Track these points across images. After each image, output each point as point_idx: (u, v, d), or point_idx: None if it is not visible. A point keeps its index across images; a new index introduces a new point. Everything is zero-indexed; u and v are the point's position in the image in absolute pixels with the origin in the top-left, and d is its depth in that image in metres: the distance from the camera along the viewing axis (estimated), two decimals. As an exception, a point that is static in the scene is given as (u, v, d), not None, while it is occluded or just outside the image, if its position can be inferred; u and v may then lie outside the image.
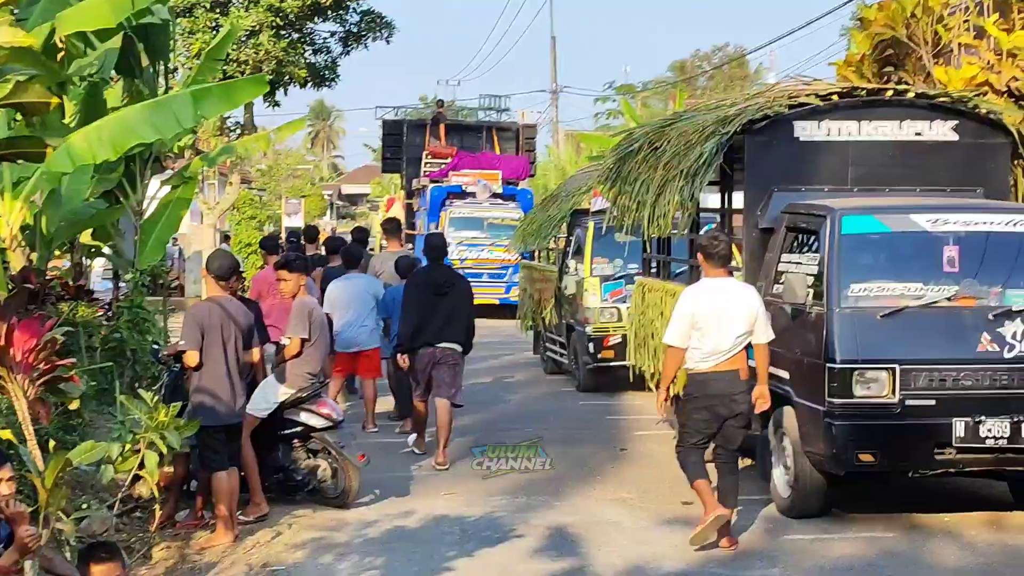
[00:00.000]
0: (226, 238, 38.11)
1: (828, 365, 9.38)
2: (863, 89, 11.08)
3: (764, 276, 10.68)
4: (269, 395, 10.60)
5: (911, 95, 11.08)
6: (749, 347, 9.30)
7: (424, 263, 13.67)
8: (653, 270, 13.91)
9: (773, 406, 10.24)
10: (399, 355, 12.88)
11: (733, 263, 11.88)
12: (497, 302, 29.21)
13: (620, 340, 16.55)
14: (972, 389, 9.34)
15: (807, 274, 9.90)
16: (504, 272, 29.91)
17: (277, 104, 34.32)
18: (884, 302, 9.55)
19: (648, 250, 13.76)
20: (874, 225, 9.89)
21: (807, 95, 10.98)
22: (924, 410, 9.32)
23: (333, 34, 34.87)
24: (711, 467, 9.59)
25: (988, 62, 13.08)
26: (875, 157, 11.04)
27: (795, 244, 10.49)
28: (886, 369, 9.31)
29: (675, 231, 11.84)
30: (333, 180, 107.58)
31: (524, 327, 20.81)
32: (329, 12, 33.69)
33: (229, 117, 33.96)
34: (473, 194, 32.00)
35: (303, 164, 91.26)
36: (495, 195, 32.14)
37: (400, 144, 36.92)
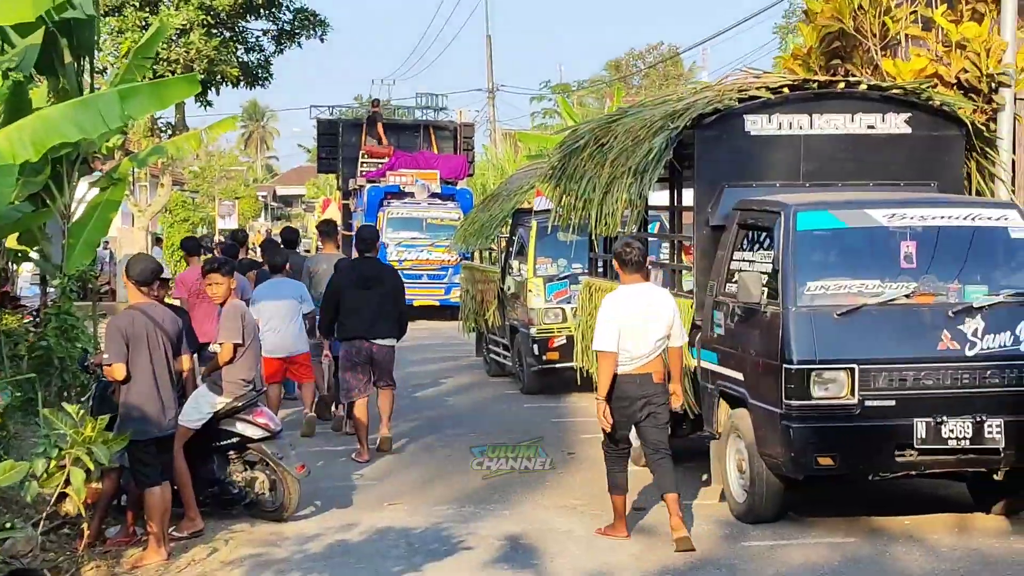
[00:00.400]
0: (158, 241, 37.45)
1: (785, 366, 9.06)
2: (814, 81, 10.76)
3: (716, 275, 10.35)
4: (202, 405, 10.14)
5: (863, 87, 10.78)
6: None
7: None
8: (600, 270, 13.55)
9: (729, 407, 9.98)
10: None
11: (685, 262, 11.67)
12: (437, 303, 28.88)
13: (565, 341, 16.34)
14: (933, 388, 9.05)
15: (761, 272, 9.58)
16: (444, 273, 29.56)
17: (209, 104, 33.70)
18: (841, 300, 9.25)
19: (595, 249, 13.41)
20: (829, 221, 9.60)
21: (757, 88, 10.65)
22: (884, 411, 9.03)
23: (266, 32, 34.34)
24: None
25: (937, 54, 12.83)
26: (827, 151, 10.74)
27: (747, 241, 10.17)
28: (844, 369, 9.00)
29: (623, 230, 11.50)
30: (267, 181, 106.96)
31: (466, 329, 20.42)
32: (262, 10, 33.16)
33: (160, 117, 33.43)
34: (411, 194, 31.64)
35: (237, 165, 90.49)
36: (434, 195, 31.78)
37: (336, 144, 36.47)
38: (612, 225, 11.34)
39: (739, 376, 9.72)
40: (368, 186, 32.48)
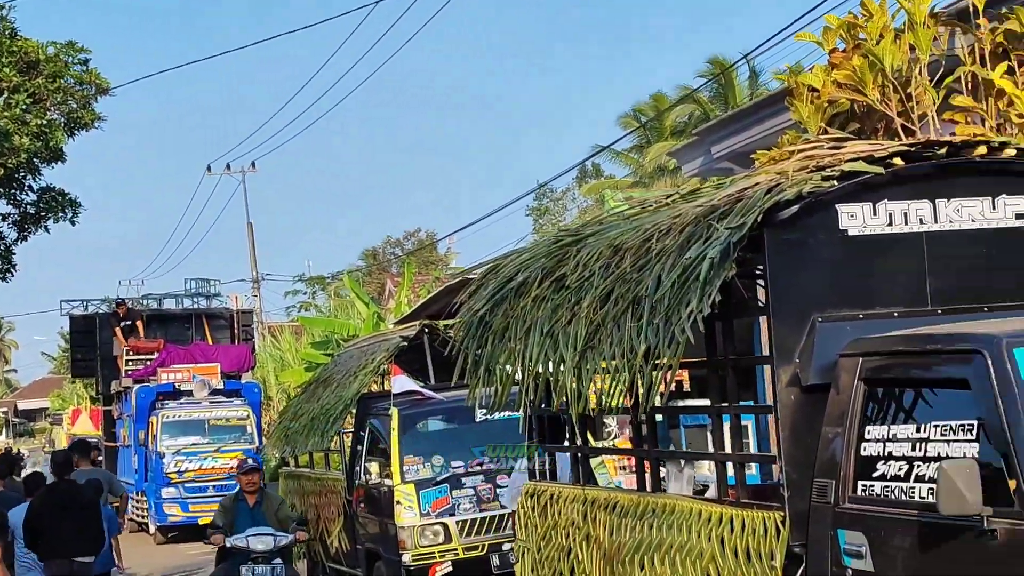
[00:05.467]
0: None
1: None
2: (941, 144, 6.81)
3: (827, 468, 6.15)
4: None
5: (1009, 153, 6.88)
6: None
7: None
8: (547, 468, 9.15)
9: None
10: None
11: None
12: (229, 520, 23.93)
13: (451, 569, 12.13)
14: None
15: (966, 457, 5.40)
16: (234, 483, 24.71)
17: (-67, 304, 28.17)
18: None
19: (540, 437, 9.04)
20: (1069, 360, 5.53)
21: (850, 160, 6.64)
22: None
23: (6, 217, 29.11)
24: None
25: (995, 130, 9.13)
26: (962, 257, 6.74)
27: (890, 409, 6.03)
28: None
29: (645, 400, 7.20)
30: (7, 396, 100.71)
31: (294, 557, 15.67)
32: (0, 190, 27.98)
33: None
34: (189, 392, 27.06)
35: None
36: (215, 391, 27.26)
37: (93, 343, 31.54)
38: (614, 396, 7.09)
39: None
40: (136, 387, 27.83)
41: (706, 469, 8.04)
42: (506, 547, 11.85)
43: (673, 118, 42.26)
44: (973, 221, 6.75)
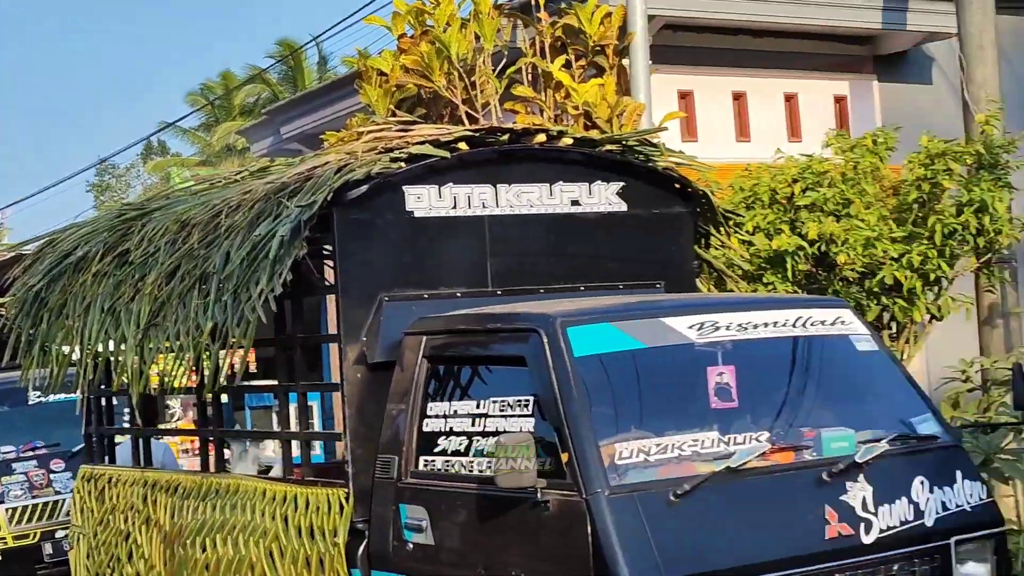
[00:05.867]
0: None
1: (609, 595, 5.15)
2: (504, 131, 7.03)
3: (392, 444, 6.26)
4: None
5: (567, 142, 7.19)
6: None
7: None
8: (100, 452, 8.87)
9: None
10: None
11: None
12: None
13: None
14: (831, 603, 5.49)
15: (524, 432, 5.60)
16: None
17: None
18: (672, 470, 5.49)
19: (98, 420, 8.75)
20: (618, 339, 5.79)
21: (417, 143, 6.77)
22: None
23: None
24: None
25: (553, 120, 9.55)
26: (521, 241, 7.00)
27: (450, 386, 6.20)
28: (707, 587, 5.25)
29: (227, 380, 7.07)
30: None
31: None
32: None
33: None
34: None
35: None
36: None
37: None
38: (177, 375, 6.96)
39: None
40: None
41: (270, 450, 8.02)
42: (60, 534, 11.44)
43: (242, 97, 41.86)
44: (532, 206, 7.02)
